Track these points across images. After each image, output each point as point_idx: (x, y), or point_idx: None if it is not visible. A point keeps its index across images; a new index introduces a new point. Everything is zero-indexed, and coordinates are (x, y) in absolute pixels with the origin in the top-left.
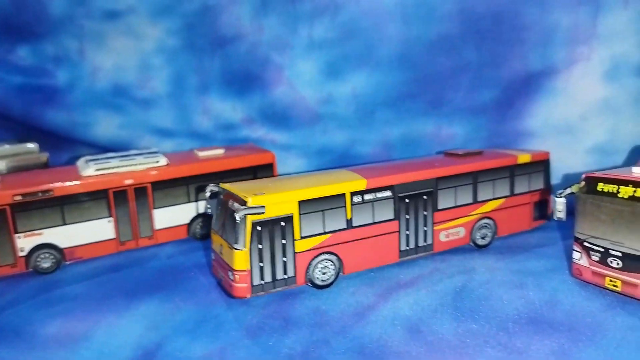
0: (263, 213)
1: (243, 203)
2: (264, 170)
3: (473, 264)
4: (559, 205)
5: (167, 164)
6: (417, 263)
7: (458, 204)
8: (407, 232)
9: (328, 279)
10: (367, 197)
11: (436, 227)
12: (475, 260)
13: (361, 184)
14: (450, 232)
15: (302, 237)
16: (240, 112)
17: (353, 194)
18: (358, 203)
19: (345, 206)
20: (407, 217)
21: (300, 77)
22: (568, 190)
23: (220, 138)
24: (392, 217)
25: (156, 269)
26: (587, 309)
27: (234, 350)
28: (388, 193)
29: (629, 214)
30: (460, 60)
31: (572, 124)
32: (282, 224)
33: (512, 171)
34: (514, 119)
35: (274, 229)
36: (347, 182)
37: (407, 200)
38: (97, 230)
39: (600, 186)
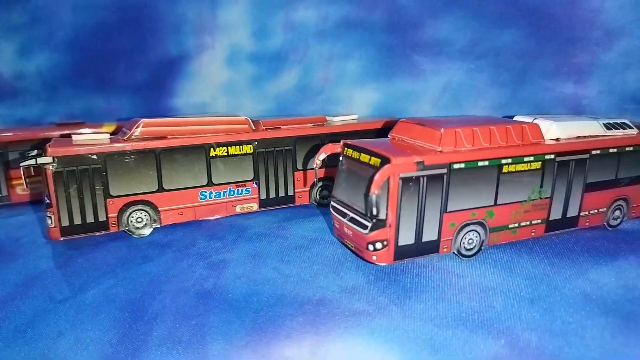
0: None
1: None
2: None
3: None
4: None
5: None
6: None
7: None
8: None
9: None
10: None
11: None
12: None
13: None
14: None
15: None
16: None
17: None
18: None
19: None
20: None
21: (1, 55)
22: (30, 162)
23: None
24: None
25: None
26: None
27: None
28: None
29: None
30: (116, 44)
31: (207, 103)
32: None
33: None
34: (165, 98)
35: None
36: None
37: None
38: None
39: None
